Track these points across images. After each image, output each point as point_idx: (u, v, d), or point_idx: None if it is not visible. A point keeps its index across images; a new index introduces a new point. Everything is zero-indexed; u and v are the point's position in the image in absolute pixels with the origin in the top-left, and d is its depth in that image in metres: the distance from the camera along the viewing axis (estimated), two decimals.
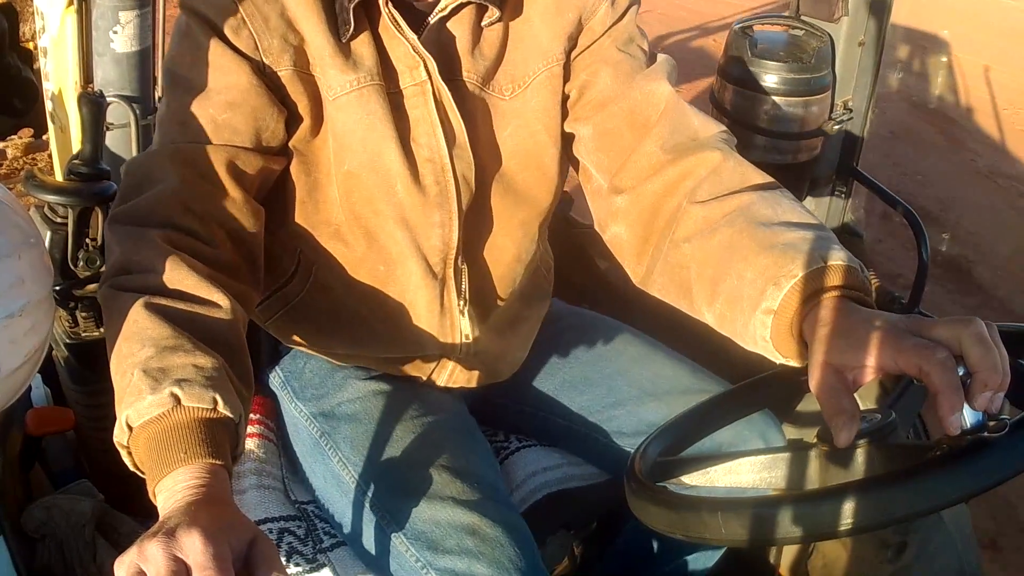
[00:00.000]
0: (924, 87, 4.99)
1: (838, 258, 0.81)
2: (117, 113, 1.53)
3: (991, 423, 0.67)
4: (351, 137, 0.98)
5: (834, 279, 0.80)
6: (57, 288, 1.35)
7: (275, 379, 1.19)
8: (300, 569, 1.04)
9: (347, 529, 1.06)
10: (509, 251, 1.12)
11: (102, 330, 1.39)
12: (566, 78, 1.07)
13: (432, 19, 0.99)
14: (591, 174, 1.07)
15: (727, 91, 1.77)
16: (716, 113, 1.80)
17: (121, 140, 1.57)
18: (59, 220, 1.43)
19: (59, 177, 1.59)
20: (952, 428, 0.67)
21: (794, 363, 0.83)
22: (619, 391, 1.20)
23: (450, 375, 1.16)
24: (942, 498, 0.64)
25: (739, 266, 0.86)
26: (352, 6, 0.94)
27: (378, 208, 1.02)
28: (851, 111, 1.80)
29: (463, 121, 1.01)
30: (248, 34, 0.94)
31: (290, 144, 0.99)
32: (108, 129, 1.49)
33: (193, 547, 0.64)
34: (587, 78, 1.06)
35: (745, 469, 0.86)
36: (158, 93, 1.62)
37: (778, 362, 0.85)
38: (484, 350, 1.15)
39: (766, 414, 1.14)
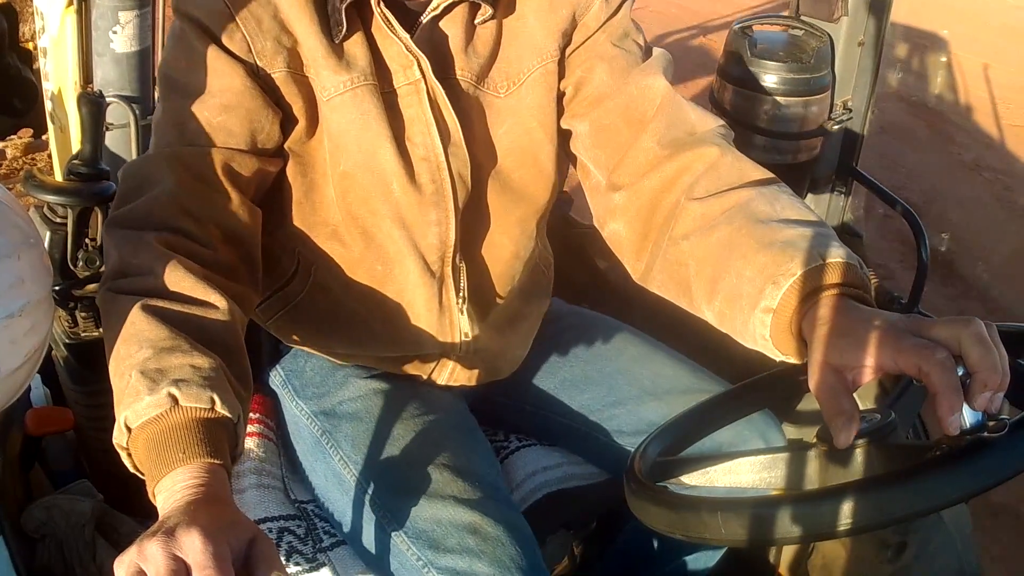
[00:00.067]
0: (919, 85, 5.00)
1: (837, 255, 0.81)
2: (117, 113, 1.53)
3: (991, 423, 0.67)
4: (346, 137, 0.98)
5: (833, 277, 0.80)
6: (56, 288, 1.35)
7: (276, 378, 1.19)
8: (300, 568, 1.04)
9: (348, 528, 1.06)
10: (507, 248, 1.12)
11: (101, 330, 1.40)
12: (561, 75, 1.07)
13: (424, 18, 0.99)
14: (589, 170, 1.07)
15: (727, 91, 1.77)
16: (716, 113, 1.79)
17: (121, 140, 1.57)
18: (58, 220, 1.43)
19: (59, 177, 1.59)
20: (951, 428, 0.67)
21: (794, 361, 0.83)
22: (619, 390, 1.20)
23: (450, 374, 1.16)
24: (942, 498, 0.64)
25: (738, 264, 0.86)
26: (344, 7, 0.95)
27: (374, 208, 1.02)
28: (851, 111, 1.79)
29: (458, 119, 1.01)
30: (241, 37, 0.94)
31: (286, 145, 1.00)
32: (108, 129, 1.49)
33: (192, 546, 0.64)
34: (582, 74, 1.06)
35: (745, 469, 0.86)
36: (158, 93, 1.62)
37: (778, 360, 0.85)
38: (484, 348, 1.15)
39: (766, 414, 1.14)
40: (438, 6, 0.98)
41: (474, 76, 1.02)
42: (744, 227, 0.88)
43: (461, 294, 1.09)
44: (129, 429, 0.76)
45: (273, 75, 0.96)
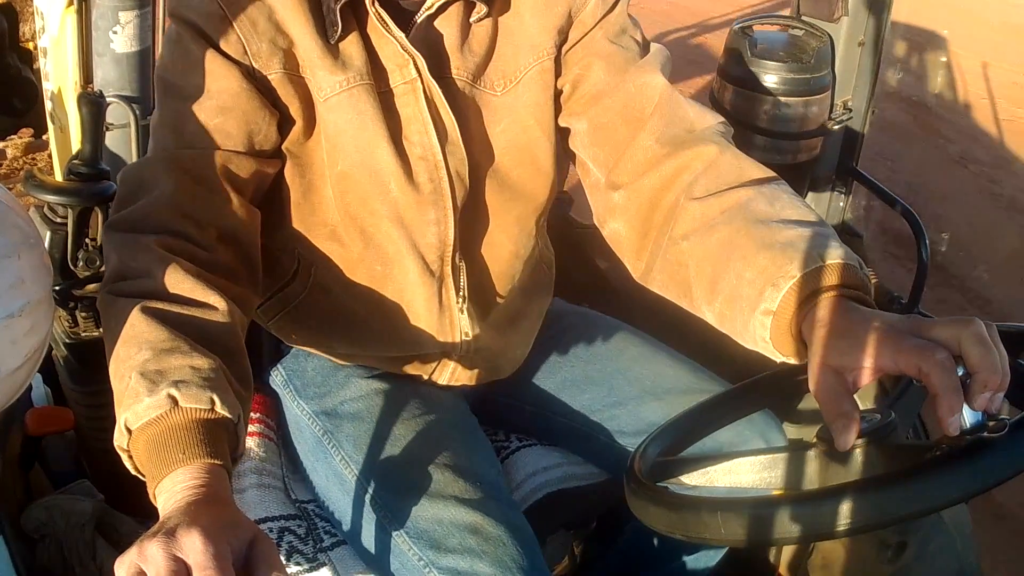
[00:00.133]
0: (915, 83, 5.01)
1: (836, 256, 0.81)
2: (117, 113, 1.53)
3: (991, 423, 0.67)
4: (343, 137, 0.98)
5: (833, 278, 0.80)
6: (57, 288, 1.35)
7: (277, 377, 1.19)
8: (300, 568, 1.04)
9: (349, 528, 1.06)
10: (506, 247, 1.12)
11: (101, 331, 1.40)
12: (558, 72, 1.07)
13: (419, 18, 0.99)
14: (588, 168, 1.07)
15: (727, 91, 1.77)
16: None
17: (121, 140, 1.57)
18: (59, 220, 1.43)
19: (59, 177, 1.59)
20: (951, 429, 0.67)
21: (795, 362, 0.83)
22: (620, 390, 1.20)
23: (451, 373, 1.16)
24: (942, 498, 0.64)
25: (738, 265, 0.86)
26: (339, 7, 0.95)
27: (373, 207, 1.02)
28: (851, 111, 1.79)
29: (455, 118, 1.01)
30: (237, 39, 0.94)
31: (283, 147, 1.00)
32: (108, 129, 1.49)
33: (193, 547, 0.64)
34: (580, 72, 1.06)
35: (745, 469, 0.86)
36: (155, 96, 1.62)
37: (778, 361, 0.85)
38: (485, 347, 1.15)
39: (766, 414, 1.14)
40: (432, 5, 0.98)
41: (470, 75, 1.03)
42: (743, 227, 0.88)
43: (461, 293, 1.09)
44: (129, 431, 0.76)
45: (269, 76, 0.96)
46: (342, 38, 0.97)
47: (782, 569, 1.36)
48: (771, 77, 1.71)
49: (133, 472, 0.77)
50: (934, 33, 5.30)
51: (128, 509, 1.36)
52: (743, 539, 0.71)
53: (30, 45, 2.93)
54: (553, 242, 1.30)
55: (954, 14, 5.69)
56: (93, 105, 1.37)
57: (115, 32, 1.52)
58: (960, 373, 0.69)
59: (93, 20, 1.50)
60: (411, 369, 1.15)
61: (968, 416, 0.68)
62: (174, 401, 0.75)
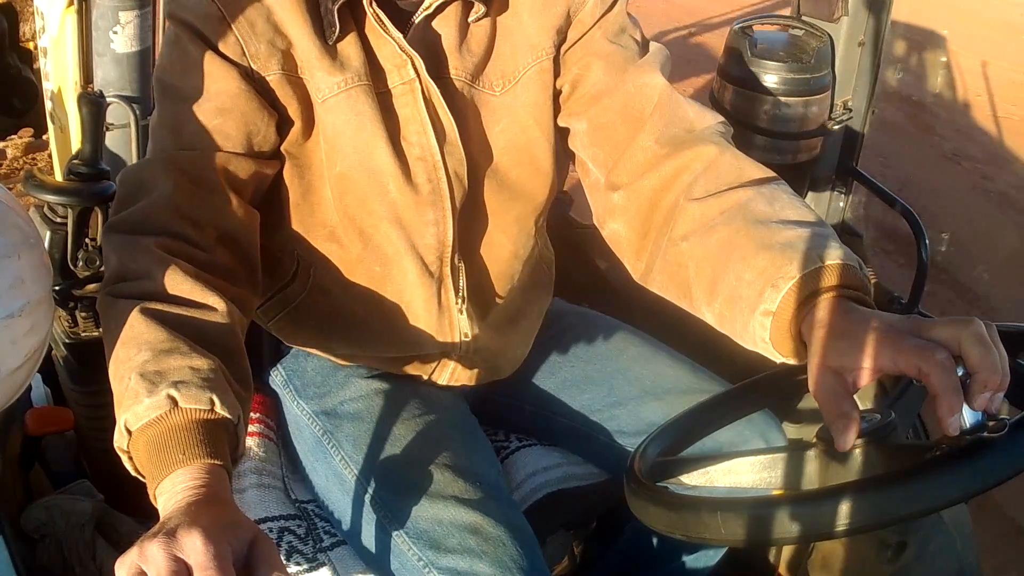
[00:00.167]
0: (913, 81, 5.02)
1: (836, 257, 0.81)
2: (117, 113, 1.53)
3: (990, 423, 0.68)
4: (341, 138, 0.98)
5: (832, 279, 0.80)
6: (56, 288, 1.35)
7: (277, 377, 1.19)
8: (300, 568, 1.04)
9: (348, 528, 1.06)
10: (506, 247, 1.12)
11: (101, 331, 1.40)
12: (557, 72, 1.07)
13: (417, 18, 0.99)
14: (588, 168, 1.07)
15: (727, 91, 1.77)
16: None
17: (121, 140, 1.57)
18: (59, 220, 1.43)
19: (59, 177, 1.59)
20: (951, 429, 0.67)
21: (795, 363, 0.83)
22: (620, 390, 1.20)
23: (451, 373, 1.16)
24: (942, 498, 0.64)
25: (737, 266, 0.86)
26: (336, 8, 0.95)
27: (371, 208, 1.02)
28: (851, 111, 1.79)
29: (453, 118, 1.01)
30: (235, 40, 0.94)
31: (282, 148, 1.00)
32: (108, 129, 1.49)
33: (194, 547, 0.64)
34: (579, 72, 1.06)
35: (745, 469, 0.86)
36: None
37: (778, 362, 0.85)
38: (484, 347, 1.15)
39: (766, 414, 1.14)
40: (430, 5, 0.98)
41: (468, 75, 1.02)
42: (743, 228, 0.88)
43: (460, 294, 1.09)
44: (129, 432, 0.76)
45: (267, 78, 0.96)
46: (340, 39, 0.97)
47: (782, 569, 1.36)
48: (771, 77, 1.71)
49: (133, 473, 0.77)
50: (933, 32, 5.30)
51: (128, 509, 1.36)
52: (743, 539, 0.71)
53: (30, 45, 2.93)
54: (553, 242, 1.30)
55: (954, 13, 5.69)
56: (93, 105, 1.37)
57: (115, 32, 1.52)
58: (960, 373, 0.69)
59: (93, 20, 1.50)
60: (411, 369, 1.15)
61: (968, 416, 0.68)
62: (174, 402, 0.75)
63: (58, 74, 1.61)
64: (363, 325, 1.11)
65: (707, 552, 1.25)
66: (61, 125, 1.65)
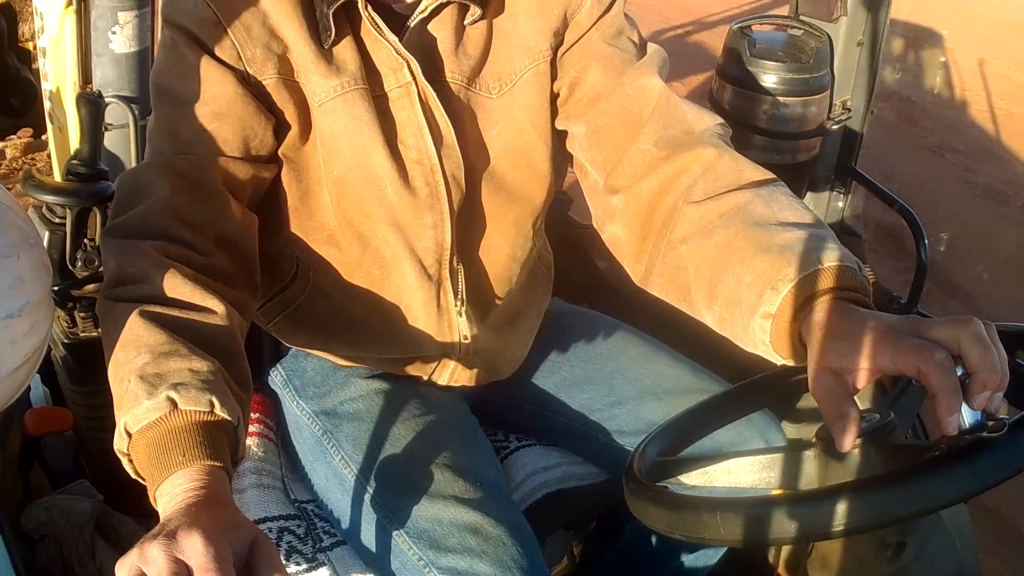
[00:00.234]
0: (911, 80, 5.03)
1: (835, 259, 0.81)
2: (116, 113, 1.53)
3: (990, 423, 0.68)
4: (338, 142, 0.98)
5: (831, 281, 0.80)
6: (56, 288, 1.35)
7: (277, 377, 1.20)
8: (299, 568, 1.04)
9: (348, 527, 1.06)
10: (503, 250, 1.12)
11: (100, 331, 1.40)
12: (554, 75, 1.07)
13: (412, 21, 0.98)
14: (587, 171, 1.07)
15: (726, 91, 1.77)
16: (715, 113, 1.79)
17: (119, 140, 1.57)
18: (57, 220, 1.43)
19: (57, 177, 1.59)
20: (950, 429, 0.68)
21: (795, 364, 0.83)
22: (620, 390, 1.20)
23: (451, 374, 1.16)
24: (941, 498, 0.65)
25: (736, 269, 0.86)
26: (331, 12, 0.94)
27: (369, 212, 1.02)
28: (849, 111, 1.80)
29: (450, 121, 1.01)
30: (231, 44, 0.94)
31: (280, 152, 1.00)
32: (106, 129, 1.50)
33: (194, 548, 0.64)
34: (577, 75, 1.06)
35: (744, 469, 0.86)
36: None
37: (778, 364, 0.85)
38: (484, 349, 1.15)
39: (766, 414, 1.14)
40: (426, 8, 0.98)
41: (465, 78, 1.02)
42: (742, 231, 0.88)
43: (459, 296, 1.09)
44: (129, 434, 0.76)
45: (264, 82, 0.96)
46: (336, 43, 0.96)
47: (781, 569, 1.36)
48: (770, 77, 1.71)
49: (133, 476, 0.78)
50: (932, 31, 5.31)
51: (127, 509, 1.37)
52: (742, 539, 0.71)
53: (29, 45, 2.93)
54: (552, 242, 1.30)
55: (953, 12, 5.70)
56: (92, 105, 1.37)
57: (114, 32, 1.52)
58: (959, 373, 0.69)
59: (92, 20, 1.50)
60: (411, 370, 1.15)
61: (967, 416, 0.68)
62: (173, 404, 0.75)
63: (57, 74, 1.61)
64: (362, 327, 1.11)
65: (707, 552, 1.25)
66: (60, 125, 1.65)
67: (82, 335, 1.44)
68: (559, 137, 1.09)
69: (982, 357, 0.68)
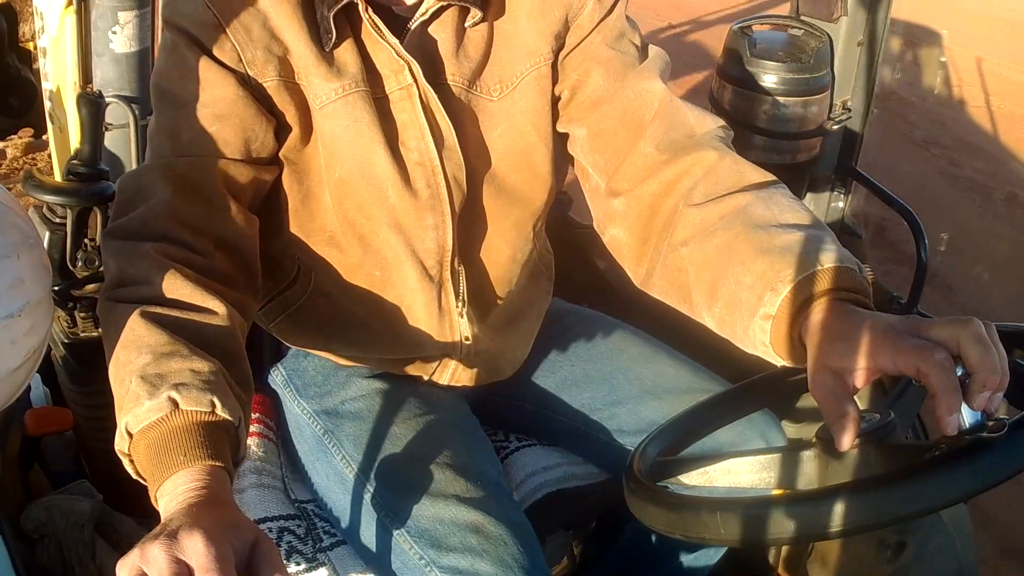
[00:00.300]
0: (909, 78, 5.04)
1: (835, 260, 0.81)
2: (116, 113, 1.53)
3: (990, 423, 0.68)
4: (340, 144, 0.98)
5: (831, 282, 0.80)
6: (56, 288, 1.35)
7: (277, 377, 1.20)
8: (299, 568, 1.04)
9: (349, 527, 1.06)
10: (504, 252, 1.12)
11: (100, 331, 1.40)
12: (555, 78, 1.06)
13: (413, 23, 0.98)
14: (588, 173, 1.07)
15: (726, 91, 1.77)
16: (715, 113, 1.79)
17: (120, 140, 1.57)
18: (58, 220, 1.43)
19: (58, 177, 1.59)
20: (950, 429, 0.68)
21: (795, 366, 0.83)
22: (620, 389, 1.21)
23: (452, 374, 1.16)
24: (941, 498, 0.65)
25: (737, 270, 0.86)
26: (332, 14, 0.94)
27: (371, 214, 1.02)
28: (850, 111, 1.80)
29: (451, 123, 1.01)
30: (231, 47, 0.94)
31: (281, 154, 1.00)
32: (107, 129, 1.50)
33: (195, 549, 0.64)
34: (578, 78, 1.06)
35: (744, 469, 0.86)
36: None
37: (779, 365, 0.85)
38: (485, 349, 1.15)
39: (766, 414, 1.14)
40: (427, 10, 0.98)
41: (466, 80, 1.02)
42: (742, 233, 0.88)
43: (460, 297, 1.09)
44: (130, 435, 0.76)
45: (265, 84, 0.96)
46: (336, 45, 0.96)
47: (781, 569, 1.36)
48: (770, 77, 1.70)
49: (134, 476, 0.78)
50: (930, 30, 5.31)
51: (127, 509, 1.37)
52: (742, 539, 0.71)
53: (29, 45, 2.93)
54: (552, 242, 1.30)
55: (953, 12, 5.70)
56: (92, 105, 1.37)
57: (114, 32, 1.52)
58: (959, 373, 0.69)
59: (92, 20, 1.50)
60: (412, 370, 1.15)
61: (967, 416, 0.68)
62: (175, 404, 0.75)
63: (57, 74, 1.61)
64: (364, 328, 1.11)
65: (707, 552, 1.25)
66: (60, 125, 1.65)
67: (82, 335, 1.44)
68: (560, 139, 1.09)
69: (982, 357, 0.68)
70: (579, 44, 1.05)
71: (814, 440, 0.80)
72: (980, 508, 2.11)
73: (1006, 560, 2.16)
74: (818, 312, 0.79)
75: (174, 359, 0.78)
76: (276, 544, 1.04)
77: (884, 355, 0.72)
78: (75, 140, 1.53)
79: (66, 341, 1.44)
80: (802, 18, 1.78)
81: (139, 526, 1.34)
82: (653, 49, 1.09)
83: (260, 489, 1.12)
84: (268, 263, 1.03)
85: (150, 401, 0.75)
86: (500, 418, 1.27)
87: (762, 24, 1.82)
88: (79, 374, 1.46)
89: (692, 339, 1.16)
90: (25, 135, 3.17)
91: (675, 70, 1.12)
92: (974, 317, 0.71)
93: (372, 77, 0.99)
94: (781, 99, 1.70)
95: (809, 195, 1.87)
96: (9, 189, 1.01)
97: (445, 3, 0.98)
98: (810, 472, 0.81)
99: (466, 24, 1.01)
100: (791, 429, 1.31)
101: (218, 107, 0.94)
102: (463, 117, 1.03)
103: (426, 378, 1.16)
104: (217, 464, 0.74)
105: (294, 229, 1.05)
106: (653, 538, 1.27)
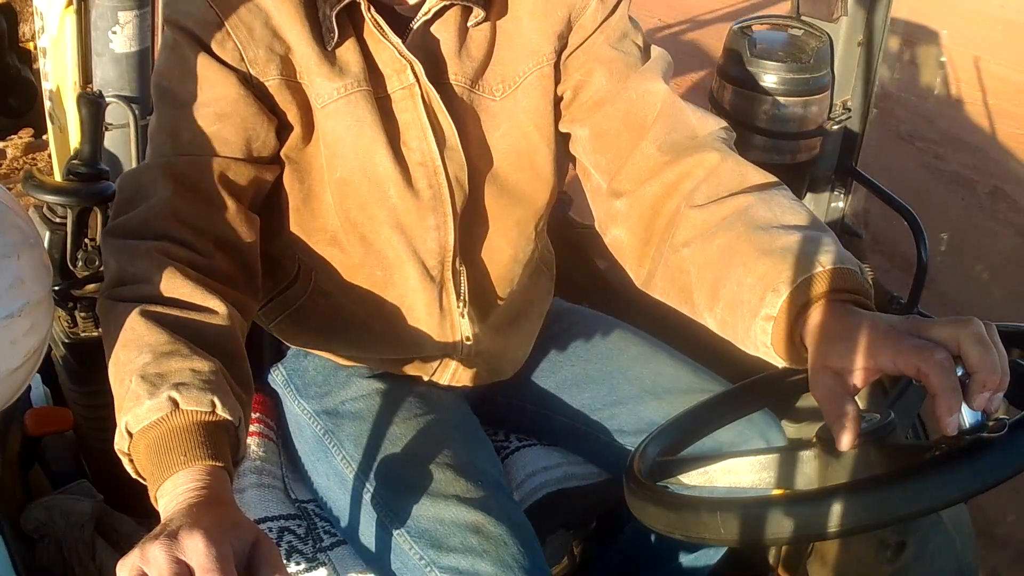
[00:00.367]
0: (905, 78, 5.05)
1: (836, 261, 0.81)
2: (116, 113, 1.53)
3: (990, 423, 0.68)
4: (341, 144, 0.98)
5: (832, 283, 0.80)
6: (56, 288, 1.35)
7: (277, 377, 1.20)
8: (300, 568, 1.04)
9: (349, 527, 1.06)
10: (506, 252, 1.12)
11: (100, 331, 1.40)
12: (557, 78, 1.06)
13: (416, 23, 0.98)
14: (590, 173, 1.07)
15: (726, 91, 1.77)
16: (715, 113, 1.79)
17: (120, 140, 1.57)
18: (58, 220, 1.44)
19: (58, 177, 1.59)
20: (950, 429, 0.68)
21: (796, 367, 0.83)
22: (620, 389, 1.21)
23: (452, 374, 1.16)
24: (941, 498, 0.65)
25: (738, 271, 0.86)
26: (334, 14, 0.94)
27: (372, 213, 1.02)
28: (850, 111, 1.80)
29: (453, 123, 1.00)
30: (233, 45, 0.94)
31: (282, 153, 1.00)
32: (107, 129, 1.50)
33: (195, 549, 0.64)
34: (581, 78, 1.06)
35: (744, 469, 0.86)
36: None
37: (780, 366, 0.85)
38: (485, 350, 1.15)
39: (766, 414, 1.14)
40: (429, 10, 0.98)
41: (468, 80, 1.02)
42: (744, 234, 0.88)
43: (461, 297, 1.09)
44: (130, 434, 0.76)
45: (266, 83, 0.96)
46: (339, 44, 0.96)
47: (781, 569, 1.36)
48: (770, 77, 1.71)
49: (134, 476, 0.77)
50: (929, 30, 5.31)
51: (127, 509, 1.37)
52: (742, 539, 0.71)
53: (30, 45, 2.93)
54: (553, 242, 1.30)
55: (952, 11, 5.70)
56: (92, 105, 1.37)
57: (114, 32, 1.52)
58: (959, 373, 0.69)
59: (92, 20, 1.50)
60: (412, 370, 1.15)
61: (967, 416, 0.68)
62: (175, 404, 0.75)
63: (57, 74, 1.61)
64: (364, 328, 1.11)
65: (707, 552, 1.25)
66: (60, 125, 1.65)
67: (82, 335, 1.44)
68: (562, 140, 1.09)
69: (982, 357, 0.68)
70: (582, 44, 1.05)
71: (814, 440, 0.80)
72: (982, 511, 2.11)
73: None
74: (819, 313, 0.79)
75: (174, 358, 0.78)
76: (276, 544, 1.04)
77: (884, 355, 0.72)
78: (75, 140, 1.53)
79: (66, 341, 1.44)
80: (802, 18, 1.78)
81: (139, 526, 1.34)
82: (655, 50, 1.09)
83: (260, 489, 1.12)
84: (269, 263, 1.03)
85: (150, 401, 0.75)
86: (500, 418, 1.27)
87: (762, 24, 1.82)
88: (79, 374, 1.46)
89: (692, 339, 1.16)
90: (25, 135, 3.17)
91: (674, 70, 1.12)
92: (974, 317, 0.71)
93: (374, 77, 0.98)
94: (781, 99, 1.70)
95: (809, 195, 1.87)
96: (9, 189, 1.01)
97: (448, 2, 0.98)
98: (810, 472, 0.81)
99: (468, 24, 1.01)
100: (791, 429, 1.31)
101: (219, 106, 0.94)
102: (465, 117, 1.02)
103: (426, 378, 1.16)
104: (217, 464, 0.74)
105: (295, 229, 1.05)
106: (653, 538, 1.27)
